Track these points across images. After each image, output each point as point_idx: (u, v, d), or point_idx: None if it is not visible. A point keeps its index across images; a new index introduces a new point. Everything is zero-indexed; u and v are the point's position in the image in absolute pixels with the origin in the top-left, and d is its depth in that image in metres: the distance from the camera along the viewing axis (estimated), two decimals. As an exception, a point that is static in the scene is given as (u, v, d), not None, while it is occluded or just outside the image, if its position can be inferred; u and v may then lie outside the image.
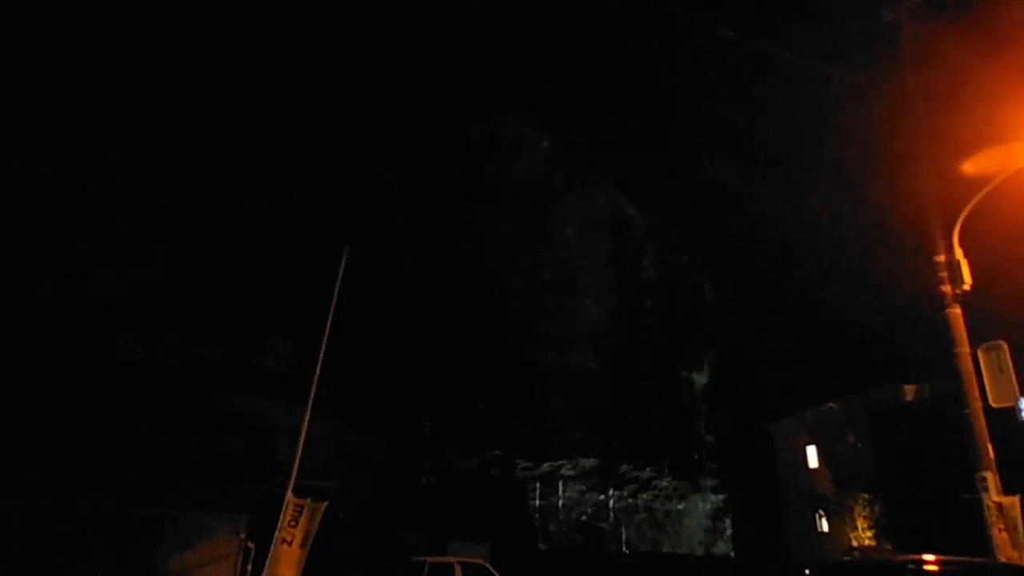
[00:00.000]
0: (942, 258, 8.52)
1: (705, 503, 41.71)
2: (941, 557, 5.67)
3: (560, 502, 40.80)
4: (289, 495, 11.94)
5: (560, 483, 41.17)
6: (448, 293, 42.66)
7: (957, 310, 8.37)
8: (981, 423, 7.85)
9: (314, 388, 13.33)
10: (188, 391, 22.71)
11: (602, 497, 41.17)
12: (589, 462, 41.85)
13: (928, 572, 5.48)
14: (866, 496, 27.01)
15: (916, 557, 5.80)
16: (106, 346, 28.88)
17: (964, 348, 8.16)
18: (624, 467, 42.10)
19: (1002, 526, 7.44)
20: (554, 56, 61.94)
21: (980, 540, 7.76)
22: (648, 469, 42.20)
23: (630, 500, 41.19)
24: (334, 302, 13.97)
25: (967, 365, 8.08)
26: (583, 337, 45.78)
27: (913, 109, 9.21)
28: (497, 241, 46.77)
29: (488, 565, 21.55)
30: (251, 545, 16.60)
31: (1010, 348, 7.90)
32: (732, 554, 38.16)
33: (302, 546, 11.67)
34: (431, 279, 42.31)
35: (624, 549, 38.86)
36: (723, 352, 44.08)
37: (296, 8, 61.33)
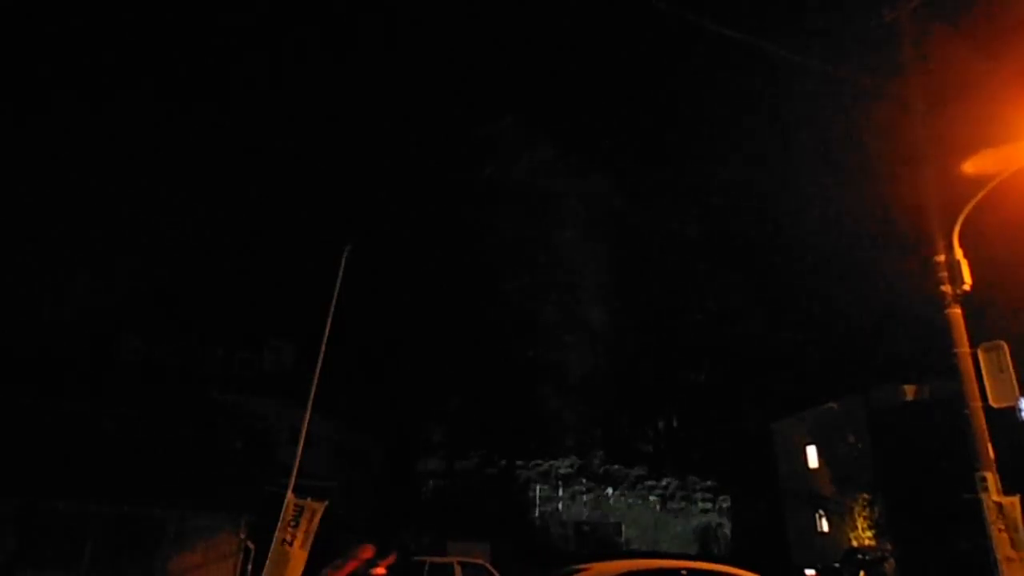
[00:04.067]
0: (942, 258, 8.50)
1: (705, 502, 41.73)
2: None
3: (560, 502, 40.82)
4: (289, 495, 11.93)
5: (560, 482, 41.19)
6: (448, 293, 42.66)
7: (957, 310, 8.36)
8: (981, 423, 7.83)
9: (314, 388, 13.32)
10: (188, 391, 22.74)
11: (602, 496, 41.19)
12: (589, 461, 41.88)
13: None
14: (866, 496, 27.00)
15: None
16: (106, 346, 28.90)
17: (964, 348, 8.15)
18: (624, 466, 42.13)
19: (1002, 526, 7.43)
20: (554, 57, 61.93)
21: (980, 540, 7.76)
22: (648, 468, 42.22)
23: (630, 499, 41.20)
24: (334, 302, 13.96)
25: (967, 365, 8.06)
26: (583, 337, 45.80)
27: (913, 109, 9.21)
28: (497, 242, 46.76)
29: (488, 565, 21.54)
30: (251, 545, 16.59)
31: (1010, 348, 7.89)
32: (732, 554, 38.16)
33: (302, 546, 11.67)
34: (431, 279, 42.32)
35: (623, 548, 38.86)
36: (724, 352, 44.06)
37: (298, 9, 61.34)
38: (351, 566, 8.92)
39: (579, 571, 7.19)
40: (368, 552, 8.95)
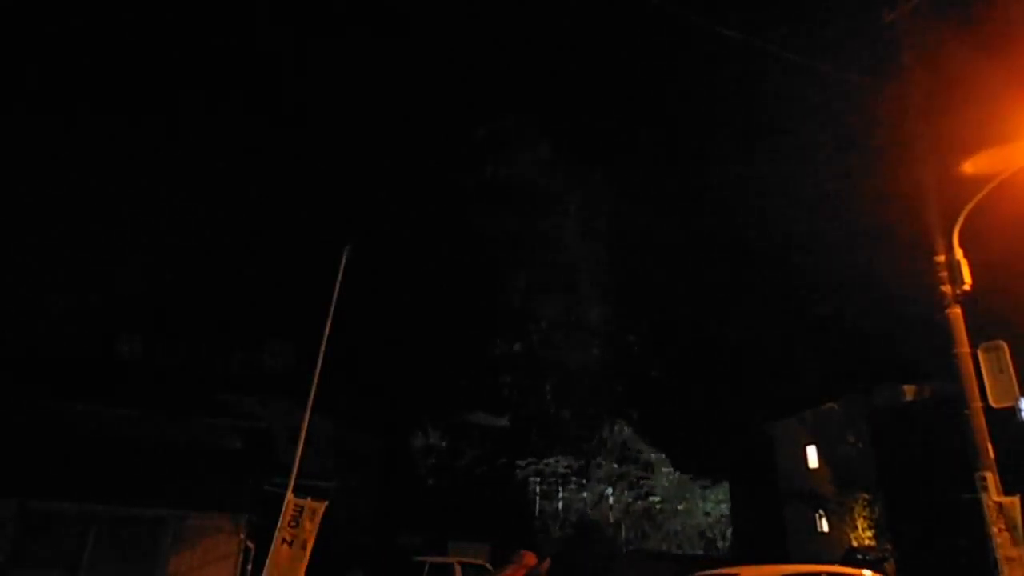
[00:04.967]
0: (942, 258, 8.51)
1: (705, 502, 41.72)
2: None
3: (559, 501, 40.81)
4: (289, 495, 11.93)
5: (560, 482, 41.18)
6: (448, 292, 42.67)
7: (957, 310, 8.36)
8: (981, 423, 7.84)
9: (314, 388, 13.31)
10: (188, 391, 22.72)
11: (602, 496, 41.18)
12: (588, 461, 41.87)
13: None
14: (866, 496, 27.00)
15: None
16: (106, 346, 28.91)
17: (964, 348, 8.15)
18: (624, 466, 42.12)
19: (1002, 526, 7.44)
20: (554, 57, 61.93)
21: (980, 540, 7.77)
22: (648, 468, 42.22)
23: (630, 499, 41.19)
24: (334, 302, 13.95)
25: (967, 365, 8.06)
26: (582, 336, 45.80)
27: (913, 109, 9.21)
28: (497, 241, 46.77)
29: (488, 565, 21.56)
30: (251, 545, 16.58)
31: (1010, 348, 7.90)
32: (731, 554, 38.15)
33: (302, 546, 11.67)
34: (431, 279, 42.33)
35: (623, 548, 38.86)
36: (724, 352, 44.07)
37: (299, 9, 61.34)
38: (519, 574, 8.92)
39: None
40: (531, 559, 8.95)
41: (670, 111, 57.04)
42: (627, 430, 43.02)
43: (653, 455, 42.37)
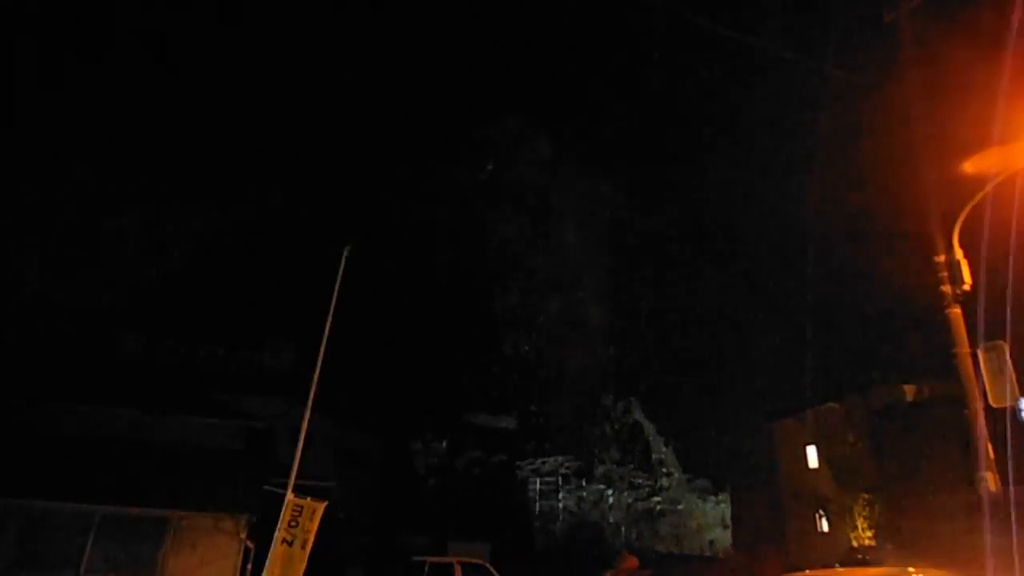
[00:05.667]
0: (942, 258, 8.51)
1: (705, 503, 41.71)
2: None
3: (560, 502, 40.81)
4: (289, 495, 11.95)
5: (560, 482, 41.17)
6: (448, 291, 42.67)
7: (957, 310, 8.37)
8: (981, 423, 7.84)
9: (314, 388, 13.32)
10: (188, 391, 22.73)
11: (602, 496, 41.17)
12: (588, 461, 41.86)
13: None
14: (866, 496, 27.00)
15: None
16: (106, 346, 28.88)
17: (964, 348, 8.15)
18: (624, 467, 42.11)
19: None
20: (554, 57, 61.96)
21: (979, 540, 7.77)
22: (647, 468, 42.20)
23: (630, 499, 41.18)
24: (334, 301, 13.97)
25: (967, 365, 8.07)
26: (582, 336, 45.80)
27: (913, 109, 9.21)
28: (496, 241, 46.78)
29: (488, 565, 21.57)
30: (251, 545, 16.58)
31: (1010, 348, 7.89)
32: (732, 554, 38.15)
33: (302, 546, 11.68)
34: (431, 279, 42.33)
35: (623, 548, 38.84)
36: (724, 351, 44.07)
37: (298, 8, 61.36)
38: None
39: None
40: (633, 562, 8.94)
41: (670, 111, 57.00)
42: (633, 419, 42.97)
43: (655, 455, 42.34)
